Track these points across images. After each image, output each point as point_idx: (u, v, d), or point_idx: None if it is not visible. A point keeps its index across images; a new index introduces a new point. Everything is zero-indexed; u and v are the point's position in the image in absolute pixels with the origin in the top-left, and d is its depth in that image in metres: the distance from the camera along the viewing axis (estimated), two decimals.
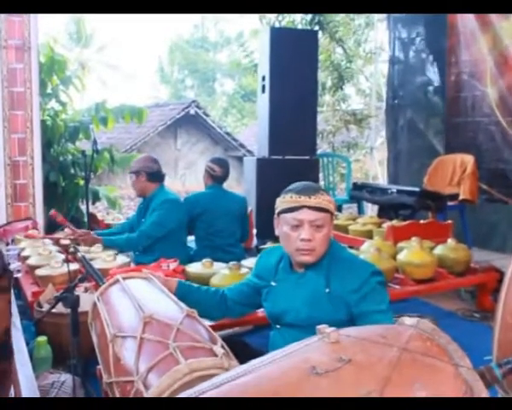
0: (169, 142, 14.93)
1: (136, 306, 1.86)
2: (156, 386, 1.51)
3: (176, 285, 2.27)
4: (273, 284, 2.19)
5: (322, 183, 6.71)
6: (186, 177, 14.56)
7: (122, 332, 1.79)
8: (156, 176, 3.89)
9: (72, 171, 5.50)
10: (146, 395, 1.52)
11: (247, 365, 1.18)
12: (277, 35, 5.64)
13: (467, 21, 5.75)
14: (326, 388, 1.06)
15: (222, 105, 29.56)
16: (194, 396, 1.09)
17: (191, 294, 2.30)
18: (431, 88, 6.74)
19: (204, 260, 3.17)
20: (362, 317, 1.91)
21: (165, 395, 1.45)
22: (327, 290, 2.01)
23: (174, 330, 1.70)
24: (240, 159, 12.29)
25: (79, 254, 2.37)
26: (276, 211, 2.09)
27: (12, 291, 1.39)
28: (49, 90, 5.43)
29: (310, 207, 1.99)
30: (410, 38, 7.14)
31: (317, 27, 7.48)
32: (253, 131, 15.26)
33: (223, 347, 1.69)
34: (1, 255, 1.27)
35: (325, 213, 2.01)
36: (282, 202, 2.06)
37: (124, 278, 2.16)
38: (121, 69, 28.15)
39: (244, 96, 27.77)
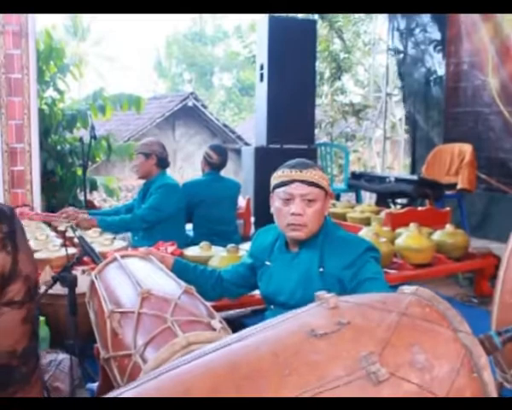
0: (167, 133, 14.90)
1: (134, 282, 1.86)
2: (154, 359, 1.51)
3: (172, 262, 2.27)
4: (268, 263, 2.18)
5: None
6: (184, 169, 14.55)
7: (120, 308, 1.78)
8: (164, 162, 3.90)
9: (70, 160, 5.49)
10: (144, 368, 1.52)
11: (245, 330, 1.17)
12: (276, 23, 5.61)
13: None
14: (325, 350, 1.06)
15: (220, 99, 29.53)
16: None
17: (187, 272, 2.28)
18: (431, 78, 6.75)
19: (202, 244, 3.16)
20: (356, 287, 1.89)
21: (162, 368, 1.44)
22: (320, 270, 1.99)
23: (172, 304, 1.69)
24: (238, 151, 12.28)
25: (77, 234, 2.36)
26: (271, 187, 2.10)
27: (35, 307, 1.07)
28: (46, 78, 5.41)
29: (301, 181, 1.98)
30: (409, 28, 7.13)
31: (316, 16, 7.47)
32: (250, 125, 15.24)
33: (220, 322, 1.68)
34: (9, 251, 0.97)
35: (317, 189, 1.99)
36: (274, 178, 2.07)
37: (122, 257, 2.15)
38: (118, 63, 28.10)
39: (242, 89, 27.77)
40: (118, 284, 1.96)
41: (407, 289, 1.26)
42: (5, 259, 0.93)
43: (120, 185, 9.89)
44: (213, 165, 4.18)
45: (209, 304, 1.88)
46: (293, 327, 1.14)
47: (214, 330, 1.62)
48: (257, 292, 2.48)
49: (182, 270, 2.25)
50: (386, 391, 1.02)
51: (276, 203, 2.05)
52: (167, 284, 1.91)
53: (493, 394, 1.09)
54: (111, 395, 1.04)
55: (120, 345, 1.68)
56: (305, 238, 2.04)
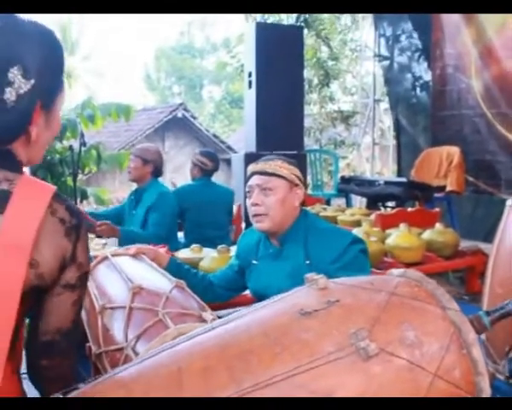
0: (157, 145, 14.83)
1: (125, 278, 1.86)
2: (145, 350, 1.50)
3: (167, 261, 2.27)
4: (254, 262, 2.20)
5: (309, 180, 6.73)
6: (175, 181, 14.52)
7: (111, 303, 1.78)
8: (159, 171, 3.91)
9: (60, 169, 5.46)
10: (135, 360, 1.51)
11: (236, 313, 1.18)
12: (263, 30, 5.65)
13: (451, 15, 5.80)
14: (315, 328, 1.06)
15: (209, 111, 29.58)
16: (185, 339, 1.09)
17: (180, 274, 2.28)
18: (418, 83, 6.82)
19: (193, 246, 3.17)
20: None
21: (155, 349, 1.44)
22: (307, 262, 1.99)
23: (163, 298, 1.69)
24: (228, 161, 12.28)
25: None
26: None
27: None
28: None
29: (258, 173, 2.05)
30: (395, 34, 7.21)
31: (302, 25, 7.53)
32: (241, 136, 15.25)
33: (212, 314, 1.69)
34: (74, 237, 1.10)
35: (275, 178, 2.02)
36: None
37: (113, 256, 2.16)
38: (107, 77, 28.12)
39: (231, 102, 27.83)
40: (109, 281, 1.96)
41: (396, 271, 1.28)
42: (67, 246, 1.08)
43: (111, 197, 9.86)
44: (207, 171, 4.20)
45: None
46: (283, 308, 1.15)
47: (205, 322, 1.62)
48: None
49: (176, 271, 2.24)
50: (376, 366, 1.03)
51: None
52: (158, 280, 1.91)
53: (483, 370, 1.10)
54: (106, 375, 1.05)
55: (112, 340, 1.67)
56: (269, 229, 2.06)
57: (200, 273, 2.45)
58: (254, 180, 2.05)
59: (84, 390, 1.04)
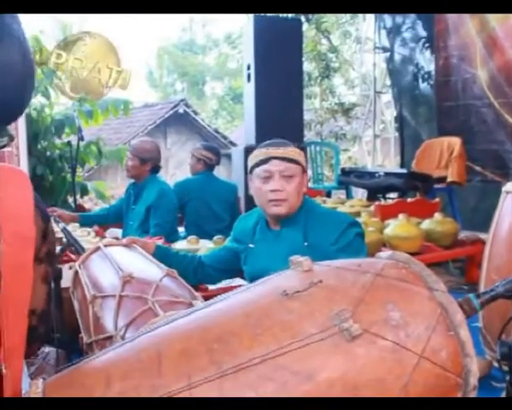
0: (159, 141, 14.68)
1: (116, 267, 1.85)
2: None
3: (153, 248, 2.26)
4: (251, 245, 2.20)
5: (310, 173, 6.71)
6: (177, 176, 14.52)
7: (102, 293, 1.77)
8: (157, 168, 3.90)
9: (60, 164, 5.46)
10: None
11: (219, 296, 1.16)
12: (261, 23, 5.63)
13: None
14: (297, 309, 1.05)
15: (212, 107, 29.55)
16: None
17: (168, 258, 2.26)
18: (420, 74, 6.78)
19: (190, 237, 3.16)
20: None
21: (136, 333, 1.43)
22: (305, 244, 2.00)
23: (153, 286, 1.69)
24: (229, 157, 12.25)
25: (60, 226, 2.35)
26: (249, 169, 2.11)
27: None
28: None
29: (278, 158, 2.02)
30: (396, 26, 7.16)
31: (302, 18, 7.49)
32: (243, 132, 15.18)
33: (202, 302, 1.67)
34: (45, 218, 1.20)
35: (294, 164, 2.03)
36: (252, 159, 2.11)
37: (105, 246, 2.15)
38: None
39: (234, 98, 27.79)
40: (100, 270, 1.95)
41: (383, 254, 1.26)
42: (42, 226, 1.16)
43: (113, 193, 9.85)
44: (211, 165, 4.20)
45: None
46: (265, 290, 1.14)
47: None
48: (242, 282, 2.45)
49: (163, 256, 2.24)
50: (360, 347, 1.01)
51: (255, 183, 2.07)
52: (149, 269, 1.91)
53: (471, 352, 1.08)
54: (86, 359, 1.04)
55: (102, 329, 1.67)
56: (285, 214, 2.06)
57: (189, 255, 2.44)
58: (275, 166, 2.02)
59: (63, 375, 1.03)
